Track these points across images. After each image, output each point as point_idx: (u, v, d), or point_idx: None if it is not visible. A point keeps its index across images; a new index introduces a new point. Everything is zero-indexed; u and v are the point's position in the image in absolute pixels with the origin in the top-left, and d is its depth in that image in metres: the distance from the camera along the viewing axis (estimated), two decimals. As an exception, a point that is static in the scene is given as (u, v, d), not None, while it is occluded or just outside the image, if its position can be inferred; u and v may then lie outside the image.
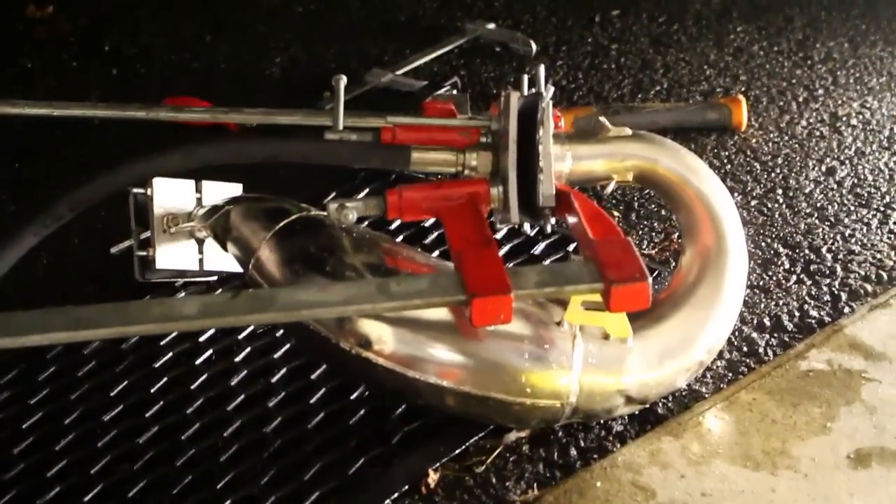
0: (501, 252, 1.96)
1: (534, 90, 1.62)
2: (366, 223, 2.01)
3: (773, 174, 2.30)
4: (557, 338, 1.56)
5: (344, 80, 1.71)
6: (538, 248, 2.04)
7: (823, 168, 2.32)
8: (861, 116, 2.50)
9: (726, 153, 2.37)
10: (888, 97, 2.57)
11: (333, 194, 1.73)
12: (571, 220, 1.56)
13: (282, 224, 1.69)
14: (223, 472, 1.63)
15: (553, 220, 1.62)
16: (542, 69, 1.64)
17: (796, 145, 2.39)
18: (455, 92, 2.59)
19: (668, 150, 1.68)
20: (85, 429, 1.73)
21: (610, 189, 1.70)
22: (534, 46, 2.78)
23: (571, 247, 2.02)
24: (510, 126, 1.56)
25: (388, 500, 1.57)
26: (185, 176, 1.89)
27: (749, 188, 2.25)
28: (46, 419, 1.76)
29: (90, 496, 1.62)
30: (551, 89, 1.60)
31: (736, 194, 2.22)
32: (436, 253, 1.95)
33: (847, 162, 2.33)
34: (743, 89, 2.62)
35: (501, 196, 1.58)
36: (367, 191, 2.14)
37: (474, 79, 2.74)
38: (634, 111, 2.42)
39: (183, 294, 1.93)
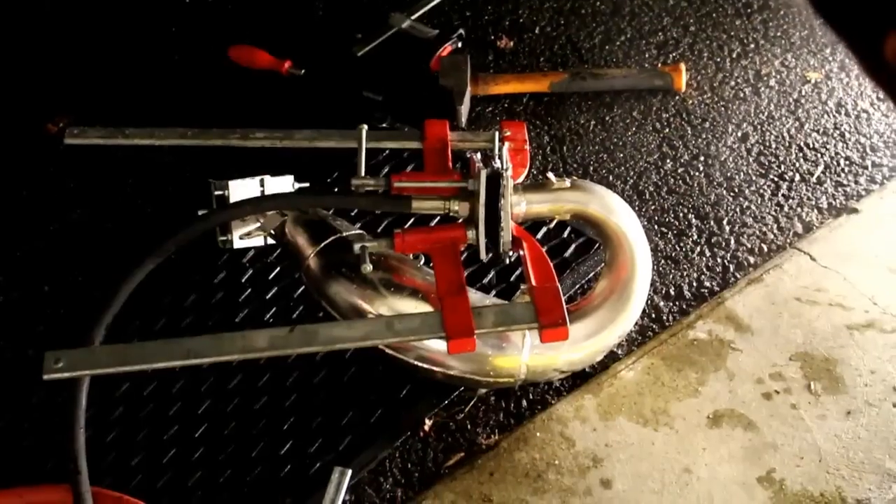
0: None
1: (497, 164, 2.13)
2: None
3: (699, 139, 2.76)
4: (512, 335, 2.16)
5: (365, 128, 2.26)
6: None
7: (739, 133, 2.77)
8: (779, 76, 2.90)
9: (667, 115, 2.84)
10: (804, 54, 2.95)
11: (357, 231, 2.29)
12: (522, 254, 2.13)
13: (322, 245, 2.26)
14: (286, 417, 2.27)
15: (512, 254, 2.17)
16: (505, 149, 2.15)
17: (722, 108, 2.84)
18: (460, 44, 3.03)
19: (596, 196, 2.17)
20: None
21: (553, 224, 2.25)
22: None
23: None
24: (480, 194, 2.07)
25: (397, 442, 2.22)
26: (250, 175, 2.44)
27: (679, 154, 2.73)
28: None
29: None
30: (510, 167, 2.11)
31: (668, 161, 2.72)
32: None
33: (759, 127, 2.78)
34: (690, 41, 3.02)
35: (475, 238, 2.14)
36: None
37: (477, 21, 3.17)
38: (598, 77, 2.89)
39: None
